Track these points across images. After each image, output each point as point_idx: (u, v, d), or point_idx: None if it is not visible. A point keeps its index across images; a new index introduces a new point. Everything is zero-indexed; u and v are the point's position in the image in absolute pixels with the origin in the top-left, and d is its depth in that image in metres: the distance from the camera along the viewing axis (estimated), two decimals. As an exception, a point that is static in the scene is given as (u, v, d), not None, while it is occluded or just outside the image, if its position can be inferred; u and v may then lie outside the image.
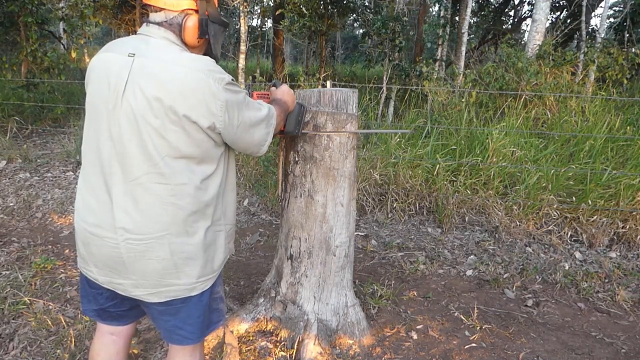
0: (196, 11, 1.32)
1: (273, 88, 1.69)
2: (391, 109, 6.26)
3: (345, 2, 9.43)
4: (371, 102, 5.41)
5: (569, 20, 9.60)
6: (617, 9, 14.07)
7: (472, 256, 3.27)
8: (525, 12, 14.03)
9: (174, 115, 1.20)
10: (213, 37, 1.38)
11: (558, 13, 11.82)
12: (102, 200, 1.28)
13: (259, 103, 1.43)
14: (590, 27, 9.94)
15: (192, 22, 1.31)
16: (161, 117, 1.20)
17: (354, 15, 10.42)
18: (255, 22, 16.19)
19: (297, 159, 1.99)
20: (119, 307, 1.46)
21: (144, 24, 1.33)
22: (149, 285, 1.30)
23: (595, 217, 3.44)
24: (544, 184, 3.64)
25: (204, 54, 1.39)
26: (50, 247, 3.11)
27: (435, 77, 5.80)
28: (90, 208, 1.30)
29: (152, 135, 1.21)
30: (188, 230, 1.29)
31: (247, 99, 1.36)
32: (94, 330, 2.18)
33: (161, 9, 1.30)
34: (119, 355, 1.56)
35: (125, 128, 1.22)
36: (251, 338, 2.12)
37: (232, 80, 1.29)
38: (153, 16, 1.32)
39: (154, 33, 1.30)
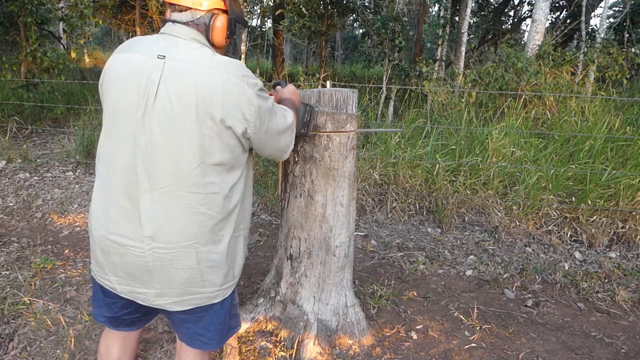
0: (224, 11, 1.30)
1: (279, 87, 1.68)
2: (391, 109, 6.26)
3: (345, 2, 9.42)
4: (371, 102, 5.41)
5: (568, 20, 9.60)
6: (617, 9, 14.08)
7: (471, 256, 3.27)
8: (525, 12, 14.04)
9: (211, 120, 1.17)
10: (239, 38, 1.38)
11: (558, 13, 11.82)
12: (125, 209, 1.23)
13: (284, 109, 1.42)
14: (590, 27, 9.94)
15: (220, 22, 1.29)
16: (198, 123, 1.17)
17: (354, 15, 10.41)
18: (255, 22, 16.19)
19: (296, 159, 1.99)
20: (133, 315, 1.45)
21: (169, 23, 1.29)
22: (174, 294, 1.29)
23: (595, 217, 3.44)
24: (543, 184, 3.64)
25: (224, 54, 1.37)
26: (50, 247, 3.11)
27: (435, 77, 5.80)
28: (112, 216, 1.25)
29: (188, 142, 1.17)
30: (214, 239, 1.29)
31: (275, 105, 1.35)
32: (94, 330, 2.19)
33: (188, 8, 1.26)
34: (130, 348, 1.57)
35: (158, 135, 1.17)
36: (251, 338, 2.12)
37: (263, 85, 1.28)
38: (178, 15, 1.27)
39: (182, 33, 1.25)
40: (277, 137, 1.37)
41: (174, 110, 1.16)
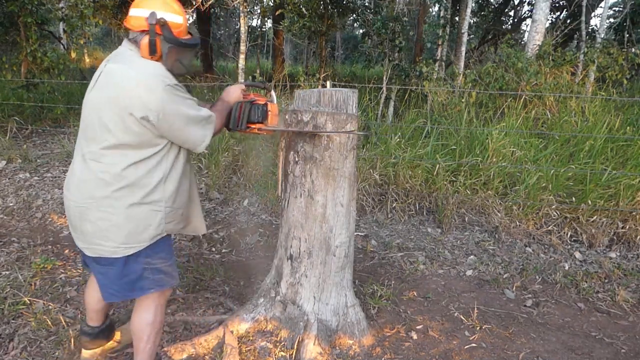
0: (148, 32, 1.61)
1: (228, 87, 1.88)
2: (391, 109, 6.25)
3: (345, 2, 9.43)
4: (371, 103, 5.41)
5: (569, 21, 9.59)
6: (617, 9, 14.07)
7: (472, 256, 3.27)
8: (525, 12, 14.03)
9: (116, 107, 1.53)
10: (166, 55, 1.64)
11: (558, 13, 11.81)
12: (72, 170, 1.68)
13: (199, 108, 1.68)
14: (590, 27, 9.93)
15: (145, 41, 1.61)
16: (107, 108, 1.55)
17: (354, 15, 10.41)
18: (255, 22, 16.19)
19: (297, 159, 1.99)
20: (86, 257, 1.74)
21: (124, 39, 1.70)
22: (85, 241, 1.67)
23: (595, 217, 3.44)
24: (543, 184, 3.64)
25: (170, 70, 1.65)
26: (50, 247, 3.11)
27: (435, 77, 5.79)
28: (68, 175, 1.71)
29: (99, 122, 1.56)
30: (113, 204, 1.60)
31: (187, 101, 1.62)
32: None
33: (129, 29, 1.65)
34: (97, 297, 1.86)
35: (87, 117, 1.62)
36: (251, 338, 2.12)
37: (177, 85, 1.60)
38: (128, 33, 1.67)
39: (125, 46, 1.66)
40: (187, 128, 1.63)
41: (97, 98, 1.59)
